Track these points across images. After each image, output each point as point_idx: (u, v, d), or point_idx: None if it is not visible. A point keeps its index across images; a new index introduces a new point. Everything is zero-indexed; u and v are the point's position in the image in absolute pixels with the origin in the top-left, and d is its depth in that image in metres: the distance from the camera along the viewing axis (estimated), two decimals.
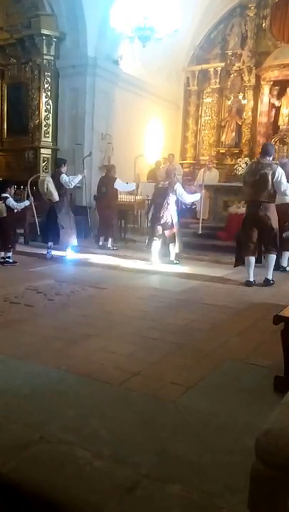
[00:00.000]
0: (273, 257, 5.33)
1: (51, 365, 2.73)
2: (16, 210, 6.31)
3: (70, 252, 6.97)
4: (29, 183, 7.34)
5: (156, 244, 6.70)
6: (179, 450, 1.88)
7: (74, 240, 7.02)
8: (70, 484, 1.63)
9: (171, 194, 6.53)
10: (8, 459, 1.76)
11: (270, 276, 5.37)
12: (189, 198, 7.15)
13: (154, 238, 6.72)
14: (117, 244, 8.20)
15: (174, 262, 6.72)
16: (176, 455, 1.85)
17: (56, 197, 6.77)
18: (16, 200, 6.63)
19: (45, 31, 9.36)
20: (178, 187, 6.62)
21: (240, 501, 1.45)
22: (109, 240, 8.06)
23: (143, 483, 1.65)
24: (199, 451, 1.88)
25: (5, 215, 6.11)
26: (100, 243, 8.09)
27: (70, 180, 6.89)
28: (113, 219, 8.11)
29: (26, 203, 6.71)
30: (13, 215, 6.31)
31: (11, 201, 6.21)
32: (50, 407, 2.21)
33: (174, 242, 6.72)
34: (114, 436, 1.97)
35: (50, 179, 6.83)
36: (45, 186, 6.75)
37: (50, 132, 9.90)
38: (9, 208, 6.16)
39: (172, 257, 6.77)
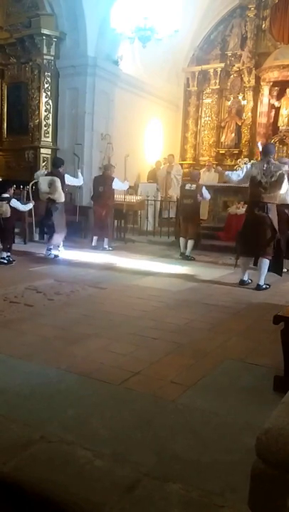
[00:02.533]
0: (267, 262, 5.22)
1: (51, 364, 2.73)
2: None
3: (61, 252, 6.98)
4: (31, 185, 7.35)
5: (183, 241, 7.51)
6: (179, 449, 1.89)
7: (60, 241, 7.00)
8: (71, 483, 1.63)
9: (198, 196, 7.34)
10: (8, 458, 1.76)
11: (261, 282, 5.24)
12: (209, 198, 7.95)
13: (182, 235, 7.55)
14: (113, 245, 8.15)
15: (190, 257, 7.34)
16: (175, 454, 1.85)
17: (63, 198, 6.78)
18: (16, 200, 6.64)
19: (45, 31, 9.35)
20: (204, 190, 7.48)
21: (240, 500, 1.45)
22: (105, 240, 8.03)
23: (143, 482, 1.66)
24: (199, 450, 1.89)
25: (9, 215, 6.12)
26: (93, 244, 7.99)
27: (74, 181, 7.03)
28: (108, 219, 8.04)
29: (30, 205, 6.76)
30: (14, 216, 6.33)
31: (15, 202, 6.22)
32: (50, 407, 2.21)
33: (194, 238, 7.42)
34: (114, 436, 1.97)
35: (58, 179, 6.73)
36: (55, 187, 6.65)
37: (50, 132, 9.90)
38: (12, 209, 6.18)
39: (188, 253, 7.39)
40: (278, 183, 5.13)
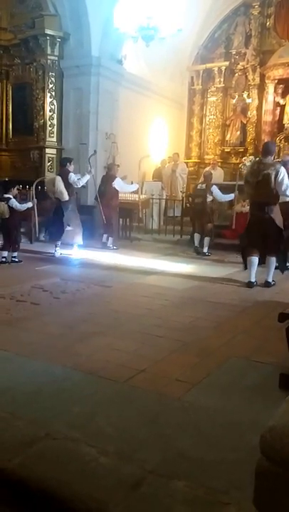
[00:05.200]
0: (274, 259, 5.25)
1: (56, 362, 2.74)
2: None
3: (76, 251, 7.00)
4: (34, 184, 7.37)
5: (197, 237, 7.86)
6: (184, 447, 1.89)
7: (80, 239, 7.04)
8: (76, 480, 1.63)
9: (208, 195, 7.64)
10: (13, 455, 1.77)
11: (270, 279, 5.28)
12: (224, 198, 8.02)
13: (195, 232, 7.92)
14: (118, 243, 8.15)
15: (207, 253, 7.64)
16: (180, 452, 1.85)
17: (66, 196, 6.80)
18: (22, 200, 6.66)
19: (49, 31, 9.37)
20: (214, 189, 7.68)
21: (245, 497, 1.45)
22: (110, 239, 8.04)
23: (148, 480, 1.66)
24: (204, 448, 1.88)
25: (7, 216, 6.13)
26: (104, 240, 8.11)
27: (78, 180, 6.95)
28: (112, 218, 8.06)
29: (29, 204, 6.75)
30: (16, 216, 6.33)
31: (13, 202, 6.23)
32: (56, 404, 2.22)
33: (209, 235, 7.74)
34: (119, 433, 1.97)
35: (60, 178, 6.79)
36: (56, 185, 6.73)
37: (55, 132, 9.92)
38: (12, 209, 6.19)
39: (205, 250, 7.71)
40: (265, 183, 4.95)
